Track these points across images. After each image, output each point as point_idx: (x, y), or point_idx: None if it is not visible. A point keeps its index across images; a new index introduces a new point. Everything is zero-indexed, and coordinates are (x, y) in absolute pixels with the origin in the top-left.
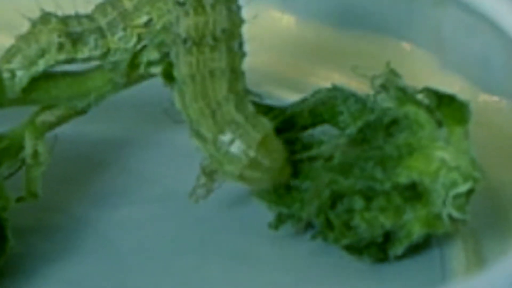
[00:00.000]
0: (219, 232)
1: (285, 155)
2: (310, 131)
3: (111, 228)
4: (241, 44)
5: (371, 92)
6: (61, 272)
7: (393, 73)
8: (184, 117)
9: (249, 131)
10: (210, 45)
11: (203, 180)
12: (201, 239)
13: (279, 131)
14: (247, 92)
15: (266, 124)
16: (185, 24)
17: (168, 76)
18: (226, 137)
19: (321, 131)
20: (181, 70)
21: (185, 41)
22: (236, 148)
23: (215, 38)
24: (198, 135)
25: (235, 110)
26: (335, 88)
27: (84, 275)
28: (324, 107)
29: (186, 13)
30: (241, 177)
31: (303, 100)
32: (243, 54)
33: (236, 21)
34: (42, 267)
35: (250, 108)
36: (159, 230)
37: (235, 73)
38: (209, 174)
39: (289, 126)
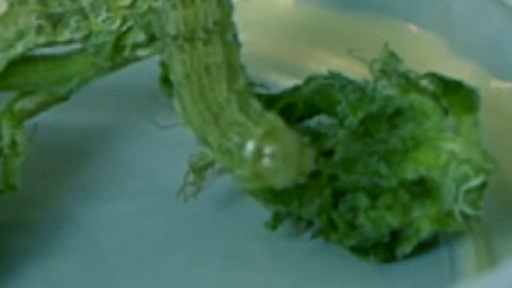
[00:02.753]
0: (212, 230)
1: (301, 139)
2: (306, 123)
3: (95, 224)
4: (235, 35)
5: (371, 78)
6: (41, 272)
7: (393, 56)
8: (185, 123)
9: (250, 128)
10: (202, 39)
11: (191, 178)
12: (193, 237)
13: None
14: (251, 85)
15: (272, 119)
16: (174, 19)
17: (166, 81)
18: (229, 141)
19: (318, 121)
20: (176, 71)
21: (175, 38)
22: (240, 148)
23: (207, 31)
24: (206, 142)
25: (238, 112)
26: (331, 75)
27: (66, 275)
28: (320, 96)
29: (174, 7)
30: (257, 177)
31: (297, 88)
32: (239, 45)
33: (227, 10)
34: (21, 266)
35: (257, 106)
36: (147, 226)
37: (233, 68)
38: (198, 171)
39: (283, 119)
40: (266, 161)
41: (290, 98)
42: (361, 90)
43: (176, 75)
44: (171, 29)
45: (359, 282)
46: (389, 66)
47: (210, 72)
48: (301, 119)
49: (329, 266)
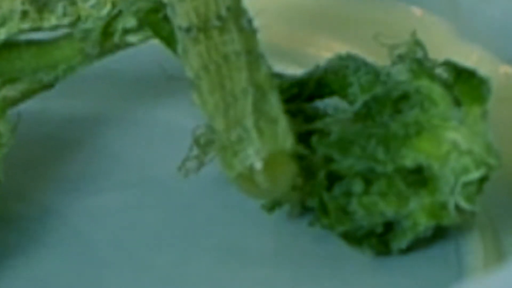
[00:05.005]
0: (205, 223)
1: (296, 178)
2: (316, 104)
3: (82, 218)
4: (250, 21)
5: (381, 64)
6: (25, 268)
7: (417, 43)
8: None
9: (253, 141)
10: (217, 27)
11: (195, 151)
12: (185, 231)
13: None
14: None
15: (281, 136)
16: (184, 11)
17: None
18: (229, 141)
19: (328, 103)
20: (193, 64)
21: (188, 30)
22: (235, 154)
23: (221, 18)
24: (212, 130)
25: (251, 108)
26: (347, 57)
27: (51, 271)
28: (334, 77)
29: None
30: (239, 184)
31: (315, 69)
32: (255, 31)
33: None
34: (3, 261)
35: (274, 105)
36: (136, 220)
37: (253, 55)
38: (203, 145)
39: (294, 96)
40: (251, 179)
41: (305, 77)
42: (374, 74)
43: (193, 69)
44: (182, 22)
45: (360, 277)
46: (411, 53)
47: (229, 60)
48: (311, 98)
49: (329, 261)
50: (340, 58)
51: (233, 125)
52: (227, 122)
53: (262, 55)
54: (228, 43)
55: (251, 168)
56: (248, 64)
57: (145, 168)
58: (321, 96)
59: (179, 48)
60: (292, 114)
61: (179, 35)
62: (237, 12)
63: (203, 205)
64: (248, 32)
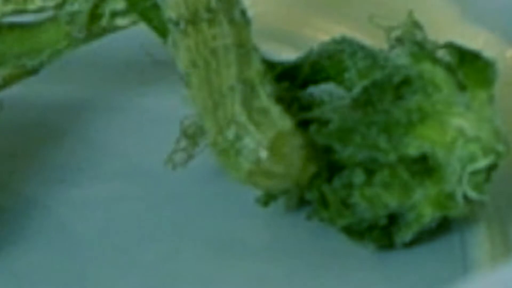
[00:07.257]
0: (196, 213)
1: (305, 155)
2: (311, 90)
3: (66, 209)
4: (243, 11)
5: (380, 47)
6: (5, 262)
7: (415, 25)
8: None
9: (251, 131)
10: (206, 19)
11: (183, 143)
12: (175, 222)
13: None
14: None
15: (278, 119)
16: (174, 2)
17: None
18: (226, 141)
19: (325, 90)
20: (182, 59)
21: (177, 22)
22: (238, 152)
23: (210, 10)
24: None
25: (240, 105)
26: (342, 40)
27: (33, 266)
28: (329, 62)
29: None
30: (252, 183)
31: (308, 53)
32: (248, 23)
33: None
34: None
35: (264, 99)
36: (124, 212)
37: (245, 49)
38: (191, 136)
39: (287, 83)
40: (263, 170)
41: (298, 61)
42: (372, 58)
43: (183, 64)
44: (172, 14)
45: (360, 272)
46: (409, 35)
47: (218, 55)
48: (305, 84)
49: (328, 256)
50: (335, 41)
51: (226, 124)
52: (218, 124)
53: (255, 48)
54: (218, 37)
55: (259, 160)
56: (238, 59)
57: (132, 157)
58: (316, 82)
59: (170, 40)
60: (286, 102)
61: (170, 27)
62: (229, 2)
63: (193, 196)
64: (240, 24)
